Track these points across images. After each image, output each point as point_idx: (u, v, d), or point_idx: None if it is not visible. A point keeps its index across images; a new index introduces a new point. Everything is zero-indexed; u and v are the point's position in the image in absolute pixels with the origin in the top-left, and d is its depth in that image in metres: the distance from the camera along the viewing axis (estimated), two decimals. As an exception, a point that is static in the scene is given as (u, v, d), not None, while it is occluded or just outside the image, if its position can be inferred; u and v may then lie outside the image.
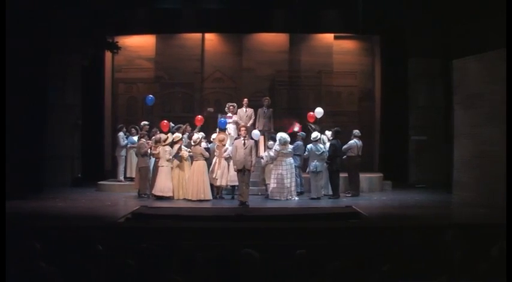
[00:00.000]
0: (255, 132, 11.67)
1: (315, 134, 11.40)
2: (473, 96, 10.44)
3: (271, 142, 11.44)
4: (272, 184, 11.06)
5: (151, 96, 13.28)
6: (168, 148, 11.00)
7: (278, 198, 10.92)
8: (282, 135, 11.23)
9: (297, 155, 11.48)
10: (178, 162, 11.05)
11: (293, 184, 11.12)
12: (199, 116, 12.57)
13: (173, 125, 12.16)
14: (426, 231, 7.05)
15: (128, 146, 12.43)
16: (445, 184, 12.02)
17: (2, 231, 4.21)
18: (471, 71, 10.56)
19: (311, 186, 11.25)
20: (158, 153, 11.00)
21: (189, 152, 11.09)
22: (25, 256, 3.72)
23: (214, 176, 11.02)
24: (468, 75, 10.64)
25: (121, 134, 12.70)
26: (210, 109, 13.65)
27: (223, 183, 11.10)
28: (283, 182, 10.96)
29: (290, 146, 11.24)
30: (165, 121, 12.21)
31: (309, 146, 11.29)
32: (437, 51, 13.33)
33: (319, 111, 12.53)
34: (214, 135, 11.46)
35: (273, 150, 11.09)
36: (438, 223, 8.00)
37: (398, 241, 6.78)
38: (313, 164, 11.15)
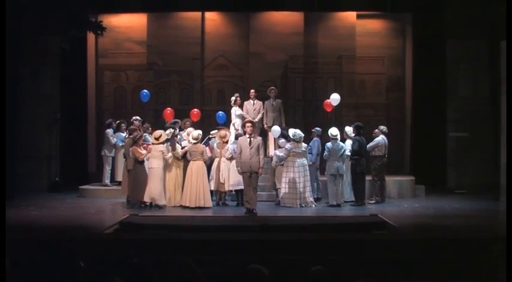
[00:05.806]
0: (275, 129, 11.68)
1: (334, 130, 11.37)
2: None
3: (282, 140, 11.43)
4: (283, 189, 11.08)
5: (146, 91, 13.29)
6: (161, 147, 10.99)
7: (290, 205, 10.95)
8: (295, 131, 11.24)
9: (312, 154, 11.48)
10: (176, 160, 11.05)
11: (308, 189, 11.12)
12: (195, 110, 12.56)
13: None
14: (467, 246, 7.03)
15: (119, 144, 12.44)
16: (491, 189, 11.97)
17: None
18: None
19: (328, 191, 11.25)
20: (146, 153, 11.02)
21: (182, 147, 11.11)
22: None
23: (221, 181, 11.04)
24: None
25: (109, 131, 12.74)
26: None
27: (227, 188, 11.14)
28: (295, 186, 10.97)
29: (304, 145, 11.24)
30: (169, 109, 12.15)
31: (328, 144, 11.27)
32: (482, 30, 13.21)
33: (335, 98, 12.50)
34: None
35: (284, 149, 11.09)
36: (482, 236, 7.96)
37: (433, 256, 6.77)
38: (335, 165, 11.13)
